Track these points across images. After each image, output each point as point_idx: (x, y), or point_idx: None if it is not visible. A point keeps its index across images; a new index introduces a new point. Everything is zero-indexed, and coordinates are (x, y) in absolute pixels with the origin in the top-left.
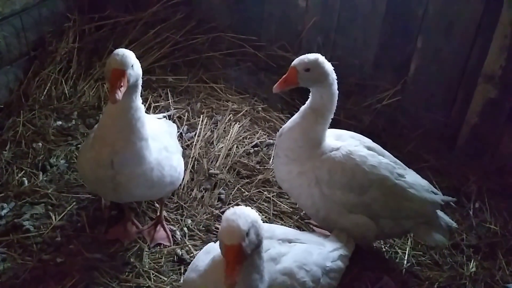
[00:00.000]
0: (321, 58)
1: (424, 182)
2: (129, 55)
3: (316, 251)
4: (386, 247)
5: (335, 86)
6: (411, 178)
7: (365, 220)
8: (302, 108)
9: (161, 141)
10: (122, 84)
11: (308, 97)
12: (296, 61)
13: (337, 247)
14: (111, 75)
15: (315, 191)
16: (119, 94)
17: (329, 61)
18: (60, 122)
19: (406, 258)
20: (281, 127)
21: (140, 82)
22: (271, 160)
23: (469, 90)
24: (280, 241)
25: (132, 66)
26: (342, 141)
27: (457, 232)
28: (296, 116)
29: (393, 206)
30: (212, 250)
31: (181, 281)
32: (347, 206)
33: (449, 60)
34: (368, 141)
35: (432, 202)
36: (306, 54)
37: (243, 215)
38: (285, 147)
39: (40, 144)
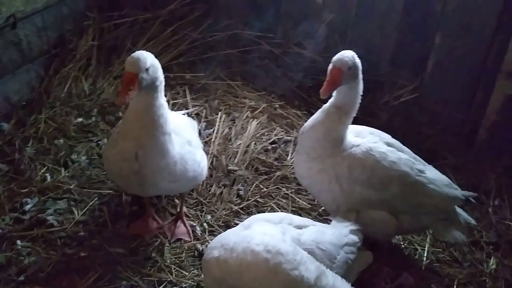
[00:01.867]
0: (354, 53)
1: (444, 178)
2: (143, 59)
3: (329, 231)
4: (406, 244)
5: (362, 83)
6: (432, 173)
7: (385, 215)
8: (325, 106)
9: (184, 135)
10: (131, 88)
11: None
12: (338, 61)
13: (346, 224)
14: (123, 77)
15: (335, 187)
16: (126, 98)
17: None
18: (80, 119)
19: (425, 255)
20: (298, 123)
21: (161, 82)
22: (289, 156)
23: (488, 87)
24: (297, 227)
25: (147, 69)
26: (362, 138)
27: (477, 229)
28: (318, 114)
29: (413, 201)
30: (238, 230)
31: (205, 269)
32: (367, 202)
33: (468, 56)
34: (388, 137)
35: (453, 197)
36: (341, 53)
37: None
38: (307, 145)
39: (61, 140)
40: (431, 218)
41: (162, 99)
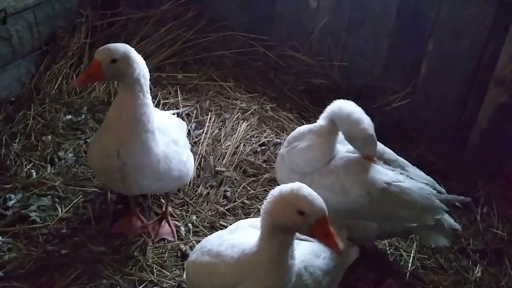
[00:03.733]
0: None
1: (425, 184)
2: (112, 50)
3: (322, 254)
4: (391, 249)
5: None
6: (409, 182)
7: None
8: (323, 130)
9: (169, 134)
10: (89, 74)
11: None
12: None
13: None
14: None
15: None
16: (79, 82)
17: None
18: (69, 116)
19: (410, 261)
20: (289, 126)
21: (139, 78)
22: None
23: (480, 94)
24: None
25: (114, 61)
26: (345, 145)
27: (464, 236)
28: (315, 136)
29: (381, 212)
30: (222, 233)
31: (186, 272)
32: (335, 209)
33: (460, 63)
34: None
35: (431, 209)
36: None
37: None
38: (295, 161)
39: (49, 137)
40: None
41: (145, 98)
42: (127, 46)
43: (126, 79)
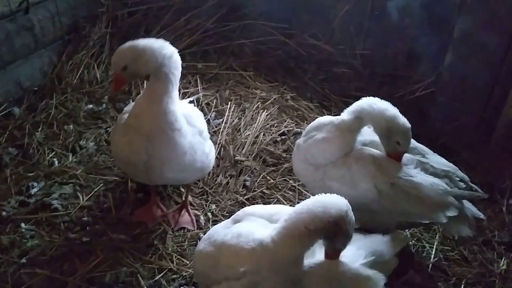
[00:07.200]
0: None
1: (439, 180)
2: (120, 59)
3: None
4: (414, 241)
5: None
6: (421, 178)
7: None
8: (344, 125)
9: (195, 124)
10: (116, 85)
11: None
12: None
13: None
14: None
15: (321, 183)
16: (112, 90)
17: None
18: (91, 106)
19: (433, 252)
20: (309, 116)
21: (162, 70)
22: None
23: (507, 83)
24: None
25: (124, 68)
26: (361, 137)
27: (489, 228)
28: (334, 128)
29: (392, 208)
30: (228, 223)
31: (193, 261)
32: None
33: (487, 51)
34: None
35: (443, 205)
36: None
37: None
38: (309, 151)
39: (71, 126)
40: None
41: (173, 91)
42: (134, 46)
43: (149, 75)
